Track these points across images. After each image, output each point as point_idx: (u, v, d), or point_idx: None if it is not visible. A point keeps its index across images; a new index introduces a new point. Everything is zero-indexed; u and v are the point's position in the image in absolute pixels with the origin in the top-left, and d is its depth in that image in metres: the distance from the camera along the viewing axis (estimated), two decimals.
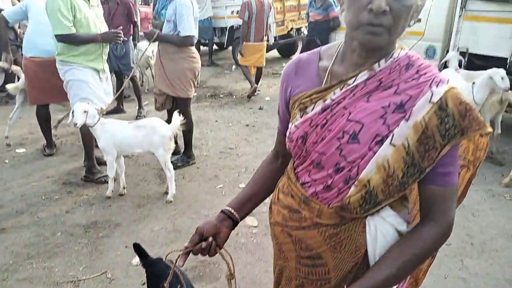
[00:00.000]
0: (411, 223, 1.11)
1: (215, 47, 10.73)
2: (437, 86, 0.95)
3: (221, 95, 6.91)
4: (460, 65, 4.68)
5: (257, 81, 6.87)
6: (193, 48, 3.87)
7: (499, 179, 3.79)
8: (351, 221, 1.05)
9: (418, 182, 1.00)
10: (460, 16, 4.77)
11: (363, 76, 1.00)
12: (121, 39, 3.62)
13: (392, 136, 0.95)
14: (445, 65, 5.03)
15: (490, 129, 0.98)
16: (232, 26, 9.02)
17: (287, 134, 1.11)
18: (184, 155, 4.13)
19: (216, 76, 8.46)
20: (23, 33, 6.05)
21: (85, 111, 3.20)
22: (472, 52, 4.81)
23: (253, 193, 1.30)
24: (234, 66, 9.02)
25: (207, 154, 4.43)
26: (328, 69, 1.07)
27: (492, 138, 4.20)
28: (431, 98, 0.94)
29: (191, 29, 3.66)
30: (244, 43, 6.54)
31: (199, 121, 5.48)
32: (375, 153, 0.96)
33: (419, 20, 4.31)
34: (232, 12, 8.89)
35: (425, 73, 0.98)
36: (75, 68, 3.49)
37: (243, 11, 6.37)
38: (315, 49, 1.16)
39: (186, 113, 3.79)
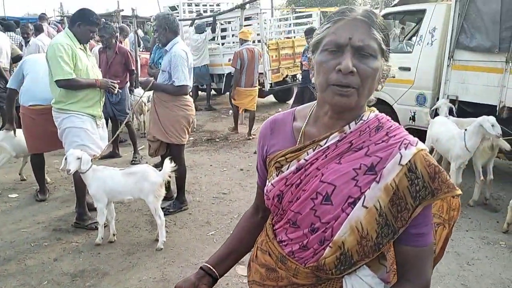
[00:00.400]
0: (390, 281, 1.10)
1: (213, 92, 10.99)
2: (406, 148, 0.97)
3: (217, 139, 6.97)
4: (451, 112, 4.76)
5: (250, 128, 7.17)
6: (188, 97, 3.97)
7: (494, 226, 3.76)
8: (327, 281, 1.05)
9: (393, 242, 1.01)
10: (448, 65, 4.91)
11: (334, 137, 1.03)
12: (115, 90, 3.74)
13: (364, 198, 0.97)
14: (436, 112, 5.13)
15: (459, 192, 1.00)
16: (230, 73, 9.22)
17: (265, 191, 1.13)
18: (176, 201, 4.11)
19: (213, 120, 8.58)
20: None
21: (78, 158, 3.22)
22: (462, 100, 4.91)
23: (233, 248, 1.30)
24: (231, 111, 9.16)
25: (200, 199, 4.41)
26: (302, 129, 1.11)
27: (485, 184, 4.21)
28: (400, 160, 0.96)
29: (185, 79, 3.76)
30: (236, 88, 6.95)
31: (193, 165, 5.51)
32: (348, 214, 0.97)
33: (409, 69, 4.45)
34: (229, 60, 9.08)
35: (394, 135, 1.01)
36: (73, 116, 3.55)
37: (235, 60, 6.84)
38: (290, 110, 1.21)
39: (179, 159, 3.82)
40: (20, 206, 4.25)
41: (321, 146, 1.04)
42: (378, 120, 1.05)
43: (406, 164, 0.96)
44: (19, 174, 5.02)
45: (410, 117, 5.48)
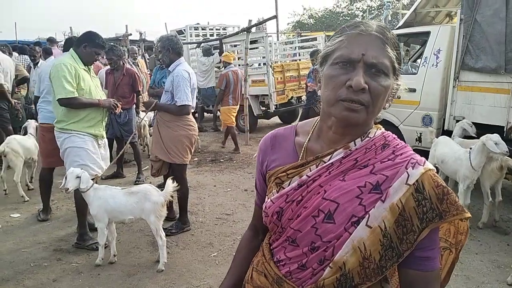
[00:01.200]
0: None
1: (219, 113, 11.04)
2: (413, 168, 0.94)
3: (222, 160, 6.94)
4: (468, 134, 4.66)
5: (225, 140, 7.86)
6: (190, 117, 3.96)
7: (505, 249, 3.65)
8: None
9: (398, 265, 0.96)
10: (454, 86, 4.89)
11: (338, 154, 1.00)
12: (117, 110, 3.76)
13: (368, 217, 0.92)
14: (442, 132, 5.09)
15: (468, 214, 0.95)
16: None
17: (263, 207, 1.09)
18: (179, 221, 4.05)
19: (218, 141, 8.57)
20: (19, 104, 6.33)
21: (77, 177, 3.20)
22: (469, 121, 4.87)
23: (238, 278, 1.24)
24: (236, 132, 9.19)
25: (203, 220, 4.35)
26: (304, 145, 1.08)
27: (494, 206, 4.12)
28: (407, 180, 0.92)
29: (187, 99, 3.77)
30: (224, 107, 7.59)
31: (197, 186, 5.46)
32: (350, 234, 0.93)
33: (414, 90, 4.43)
34: None
35: (401, 154, 0.98)
36: (74, 135, 3.54)
37: (221, 81, 7.54)
38: (291, 125, 1.18)
39: (181, 179, 3.78)
40: (21, 226, 4.21)
41: (325, 163, 1.00)
42: (385, 137, 1.02)
43: (414, 184, 0.92)
44: (26, 185, 5.30)
45: (416, 138, 5.44)
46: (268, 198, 1.08)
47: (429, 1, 5.83)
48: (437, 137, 4.76)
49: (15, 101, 6.43)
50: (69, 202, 4.80)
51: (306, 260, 0.98)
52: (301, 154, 1.07)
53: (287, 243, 1.03)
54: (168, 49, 3.85)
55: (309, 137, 1.09)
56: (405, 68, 6.06)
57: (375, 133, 1.01)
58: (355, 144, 0.99)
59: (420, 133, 5.36)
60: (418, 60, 5.91)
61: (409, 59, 6.99)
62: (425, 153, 5.00)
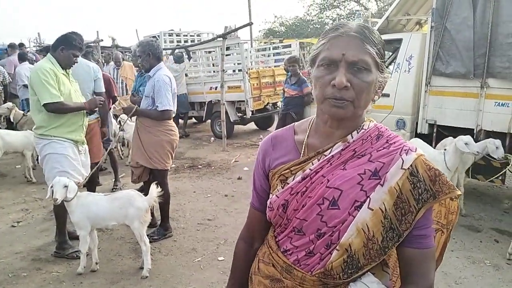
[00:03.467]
0: None
1: (194, 120, 11.01)
2: (406, 154, 1.03)
3: (200, 166, 6.91)
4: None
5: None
6: (171, 122, 3.94)
7: (478, 245, 3.81)
8: None
9: (397, 245, 1.03)
10: (426, 91, 5.08)
11: (338, 147, 1.07)
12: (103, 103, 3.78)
13: (369, 200, 1.00)
14: (416, 135, 5.27)
15: (459, 192, 1.04)
16: (211, 101, 9.33)
17: (268, 203, 1.14)
18: (160, 228, 4.01)
19: (194, 147, 8.53)
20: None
21: (65, 186, 3.13)
22: (440, 124, 5.06)
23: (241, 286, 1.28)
24: (212, 138, 9.19)
25: (184, 226, 4.32)
26: (304, 142, 1.14)
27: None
28: (402, 165, 1.01)
29: (168, 104, 3.76)
30: None
31: (176, 192, 5.42)
32: (354, 217, 1.00)
33: (388, 95, 4.56)
34: (211, 88, 9.25)
35: (394, 142, 1.06)
36: (54, 142, 3.46)
37: None
38: (289, 125, 1.24)
39: (163, 185, 3.75)
40: None
41: (326, 156, 1.07)
42: (378, 129, 1.10)
43: (408, 168, 1.01)
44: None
45: None
46: (272, 195, 1.14)
47: (401, 10, 6.05)
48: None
49: None
50: (44, 211, 4.68)
51: (314, 247, 1.04)
52: (303, 150, 1.13)
53: (293, 233, 1.09)
54: (149, 54, 3.82)
55: (307, 134, 1.15)
56: None
57: (369, 125, 1.10)
58: (352, 137, 1.08)
59: None
60: (391, 66, 6.10)
61: None
62: None
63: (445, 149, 4.15)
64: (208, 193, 5.40)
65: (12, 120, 6.65)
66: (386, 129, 1.12)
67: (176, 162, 7.15)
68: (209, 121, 9.81)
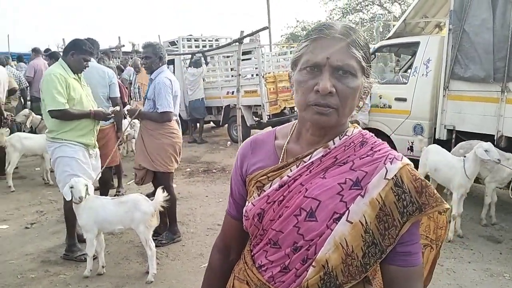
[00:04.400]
0: None
1: (212, 124, 11.05)
2: (391, 162, 0.95)
3: (214, 170, 6.91)
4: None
5: None
6: (173, 124, 3.96)
7: (497, 258, 3.64)
8: None
9: (380, 262, 0.95)
10: (444, 96, 4.93)
11: (318, 153, 1.00)
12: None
13: (348, 212, 0.92)
14: (434, 141, 5.11)
15: (447, 206, 0.96)
16: (228, 105, 9.35)
17: (244, 212, 1.08)
18: (169, 232, 4.00)
19: (211, 151, 8.55)
20: (11, 115, 6.36)
21: (85, 185, 3.19)
22: (460, 129, 4.89)
23: None
24: (229, 143, 9.20)
25: (194, 230, 4.30)
26: (284, 147, 1.08)
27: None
28: (386, 175, 0.93)
29: (168, 106, 3.78)
30: None
31: (189, 196, 5.43)
32: (332, 230, 0.93)
33: (405, 100, 4.43)
34: (228, 92, 9.27)
35: (379, 150, 0.99)
36: (65, 145, 3.50)
37: None
38: (271, 130, 1.18)
39: (167, 188, 3.75)
40: (9, 236, 4.14)
41: (305, 162, 1.01)
42: (362, 135, 1.03)
43: (392, 178, 0.93)
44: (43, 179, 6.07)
45: (408, 147, 5.45)
46: (248, 202, 1.07)
47: (418, 12, 5.91)
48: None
49: (8, 113, 6.40)
50: (58, 214, 4.75)
51: (289, 262, 0.97)
52: (281, 156, 1.07)
53: (269, 246, 1.02)
54: (160, 57, 3.88)
55: (288, 139, 1.09)
56: (396, 78, 6.11)
57: (352, 132, 1.03)
58: (334, 143, 1.01)
59: (412, 142, 5.38)
60: (409, 70, 5.96)
61: (400, 69, 7.05)
62: (416, 163, 5.03)
63: (464, 156, 3.99)
64: (220, 198, 5.38)
65: (28, 126, 6.80)
66: (372, 136, 1.05)
67: (191, 166, 7.18)
68: (226, 125, 9.84)
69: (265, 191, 1.04)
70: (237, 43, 7.76)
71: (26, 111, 6.91)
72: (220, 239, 1.26)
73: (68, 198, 3.20)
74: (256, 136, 1.18)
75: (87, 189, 3.22)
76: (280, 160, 1.06)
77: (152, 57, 3.85)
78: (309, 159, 1.01)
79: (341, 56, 0.93)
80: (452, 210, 3.94)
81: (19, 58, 10.67)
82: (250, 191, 1.09)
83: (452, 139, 4.94)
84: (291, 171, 1.01)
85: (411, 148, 5.44)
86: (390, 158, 0.96)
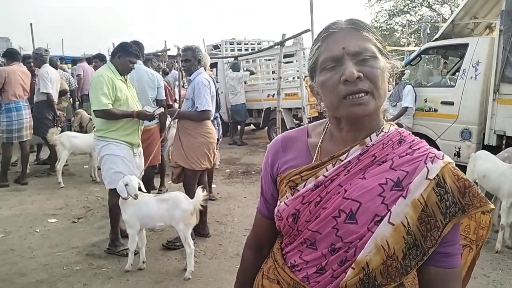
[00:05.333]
0: None
1: (252, 127, 11.15)
2: (432, 162, 0.92)
3: (253, 172, 6.95)
4: None
5: None
6: (210, 124, 4.07)
7: None
8: None
9: None
10: (494, 99, 4.71)
11: (355, 151, 0.97)
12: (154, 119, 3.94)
13: (390, 214, 0.89)
14: (483, 146, 4.88)
15: (492, 206, 0.91)
16: (269, 108, 9.38)
17: (276, 212, 1.06)
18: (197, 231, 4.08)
19: (250, 153, 8.61)
20: (63, 115, 6.71)
21: (138, 182, 3.35)
22: (510, 135, 4.65)
23: None
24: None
25: (231, 230, 4.35)
26: (318, 145, 1.05)
27: None
28: (427, 175, 0.90)
29: (207, 105, 3.89)
30: None
31: (228, 197, 5.49)
32: (373, 233, 0.90)
33: (452, 104, 4.28)
34: (268, 95, 9.31)
35: (418, 148, 0.96)
36: (111, 143, 3.66)
37: None
38: (302, 127, 1.15)
39: (191, 186, 3.90)
40: (57, 230, 4.36)
41: (342, 161, 0.98)
42: (400, 133, 1.00)
43: (434, 178, 0.90)
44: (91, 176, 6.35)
45: (454, 153, 5.25)
46: (280, 202, 1.05)
47: (468, 13, 5.68)
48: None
49: (61, 112, 6.76)
50: (104, 210, 4.95)
51: (326, 263, 0.95)
52: (315, 155, 1.04)
53: (304, 246, 1.00)
54: (199, 60, 4.02)
55: (322, 137, 1.06)
56: (443, 81, 5.90)
57: (389, 129, 1.00)
58: (371, 140, 0.98)
59: (459, 148, 5.17)
60: (456, 73, 5.74)
61: (447, 72, 6.80)
62: (464, 170, 4.82)
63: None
64: (258, 199, 5.39)
65: (76, 125, 7.14)
66: (409, 134, 1.01)
67: (231, 168, 7.26)
68: (266, 128, 9.88)
69: (298, 190, 1.01)
70: (279, 46, 7.79)
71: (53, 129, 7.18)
72: (251, 237, 1.25)
73: (124, 195, 3.31)
74: (288, 133, 1.15)
75: (139, 186, 3.35)
76: (314, 159, 1.04)
77: (192, 60, 3.99)
78: (346, 157, 0.98)
79: (356, 42, 0.92)
80: (501, 219, 3.74)
81: (74, 61, 11.36)
82: (282, 190, 1.06)
83: (502, 145, 4.70)
84: (326, 170, 0.98)
85: (458, 154, 5.23)
86: (430, 157, 0.92)
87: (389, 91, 0.98)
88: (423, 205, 0.89)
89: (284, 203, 1.03)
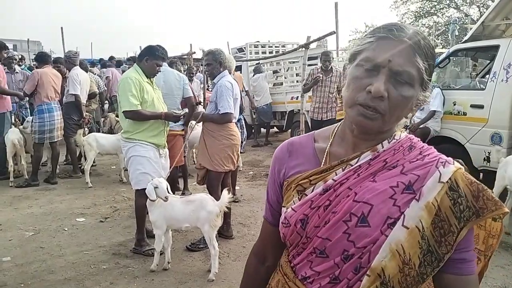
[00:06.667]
0: None
1: (275, 129, 11.14)
2: (444, 166, 0.91)
3: None
4: None
5: None
6: (233, 127, 4.11)
7: None
8: None
9: None
10: None
11: (366, 156, 0.97)
12: (180, 118, 4.02)
13: (404, 217, 0.88)
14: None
15: (507, 210, 0.89)
16: (292, 110, 9.36)
17: (282, 219, 1.03)
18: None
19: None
20: (90, 116, 6.87)
21: (167, 185, 3.41)
22: None
23: None
24: None
25: (254, 233, 4.35)
26: (326, 150, 1.04)
27: None
28: (440, 178, 0.89)
29: (229, 107, 3.93)
30: None
31: (251, 199, 5.50)
32: (387, 237, 0.88)
33: (482, 107, 4.19)
34: (292, 98, 9.28)
35: (428, 154, 0.95)
36: (138, 145, 3.74)
37: None
38: (308, 133, 1.14)
39: (216, 188, 3.95)
40: (85, 229, 4.47)
41: (352, 166, 0.97)
42: (410, 139, 1.00)
43: (447, 182, 0.89)
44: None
45: (484, 158, 5.09)
46: (287, 208, 1.02)
47: (499, 13, 5.52)
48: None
49: (87, 114, 6.93)
50: (130, 210, 5.04)
51: (339, 272, 0.92)
52: (324, 159, 1.03)
53: (314, 256, 0.97)
54: (220, 63, 4.06)
55: (330, 141, 1.05)
56: (472, 84, 5.75)
57: (400, 136, 1.00)
58: (383, 146, 0.97)
59: (489, 153, 5.01)
60: (486, 75, 5.58)
61: (477, 75, 6.62)
62: (494, 174, 4.68)
63: None
64: None
65: (101, 128, 7.31)
66: (419, 141, 1.01)
67: (254, 170, 7.27)
68: (289, 130, 9.86)
69: (306, 195, 0.99)
70: (303, 48, 7.76)
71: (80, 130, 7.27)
72: (257, 244, 1.23)
73: (153, 198, 3.35)
74: (293, 139, 1.14)
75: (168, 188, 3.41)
76: (323, 163, 1.02)
77: (213, 64, 4.04)
78: (356, 162, 0.97)
79: (403, 61, 0.89)
80: None
81: (103, 64, 11.72)
82: (288, 196, 1.04)
83: None
84: (336, 174, 0.97)
85: (487, 159, 5.07)
86: (442, 162, 0.92)
87: (406, 117, 0.98)
88: (437, 209, 0.87)
89: (292, 208, 1.00)
